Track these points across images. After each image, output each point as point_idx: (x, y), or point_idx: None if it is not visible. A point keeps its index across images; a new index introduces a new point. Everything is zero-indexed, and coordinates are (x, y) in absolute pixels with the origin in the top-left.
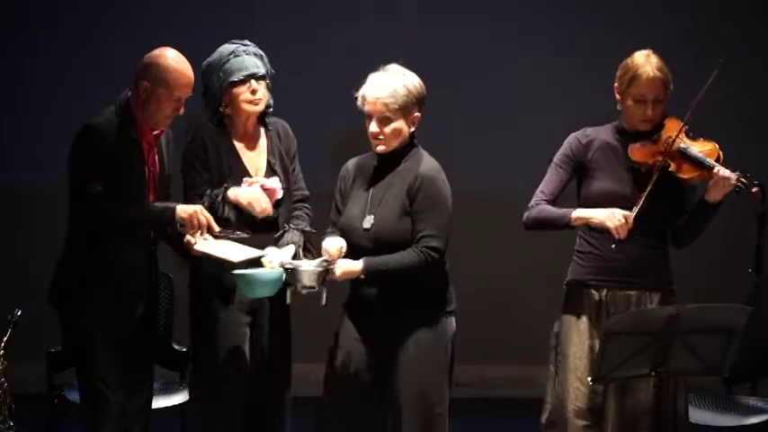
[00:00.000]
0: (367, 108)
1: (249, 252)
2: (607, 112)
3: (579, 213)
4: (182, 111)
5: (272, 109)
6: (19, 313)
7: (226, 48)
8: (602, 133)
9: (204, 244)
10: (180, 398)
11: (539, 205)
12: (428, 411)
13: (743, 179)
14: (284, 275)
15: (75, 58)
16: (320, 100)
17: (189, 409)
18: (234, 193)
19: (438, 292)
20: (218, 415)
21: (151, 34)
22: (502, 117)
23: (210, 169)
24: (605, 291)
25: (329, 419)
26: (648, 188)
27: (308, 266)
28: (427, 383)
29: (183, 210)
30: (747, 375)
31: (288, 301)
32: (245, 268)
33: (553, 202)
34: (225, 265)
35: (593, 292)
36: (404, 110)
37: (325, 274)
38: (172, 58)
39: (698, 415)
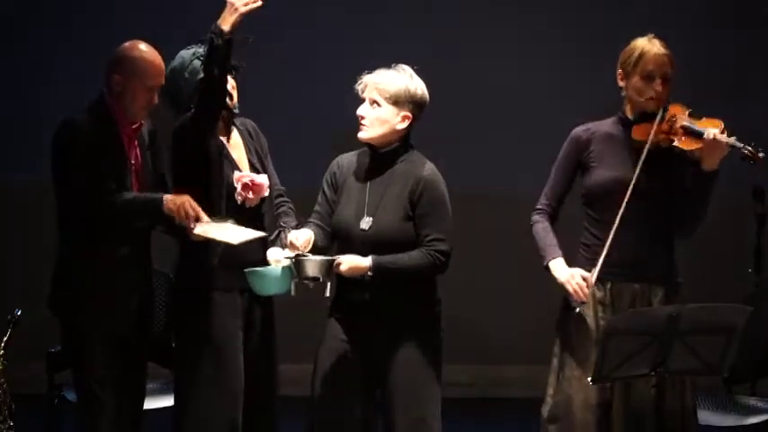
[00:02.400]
0: (363, 93)
1: (248, 233)
2: (608, 108)
3: (552, 264)
4: (155, 100)
5: (237, 110)
6: (19, 313)
7: (185, 52)
8: (604, 126)
9: (203, 227)
10: None
11: (538, 223)
12: (419, 412)
13: (748, 147)
14: (291, 271)
15: (76, 58)
16: (319, 99)
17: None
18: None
19: (426, 293)
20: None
21: (154, 34)
22: (501, 116)
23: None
24: (610, 283)
25: (319, 420)
26: (641, 161)
27: (312, 256)
28: (418, 384)
29: (170, 200)
30: (747, 375)
31: (292, 293)
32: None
33: (556, 207)
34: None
35: (597, 284)
36: (395, 101)
37: (330, 266)
38: (140, 49)
39: (698, 415)
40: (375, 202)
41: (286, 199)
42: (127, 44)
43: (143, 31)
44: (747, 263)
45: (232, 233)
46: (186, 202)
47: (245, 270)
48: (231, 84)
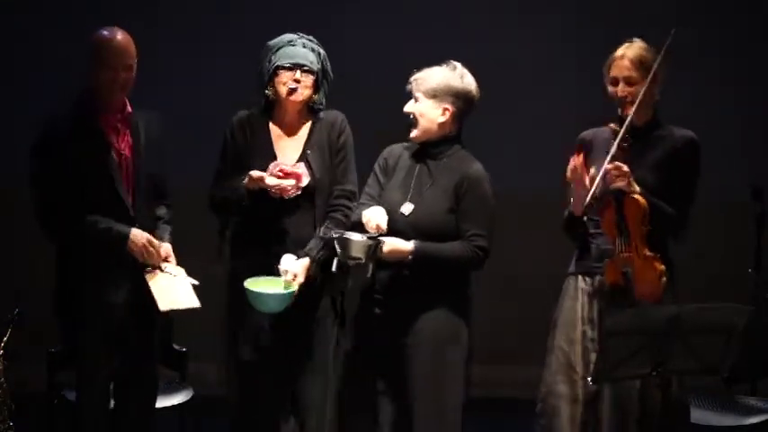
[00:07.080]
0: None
1: (183, 302)
2: (609, 107)
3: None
4: (127, 80)
5: (320, 107)
6: (19, 313)
7: (286, 36)
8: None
9: (154, 275)
10: (180, 398)
11: None
12: (442, 405)
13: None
14: (291, 295)
15: (78, 58)
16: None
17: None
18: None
19: (459, 287)
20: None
21: (157, 35)
22: (501, 116)
23: (239, 152)
24: (596, 277)
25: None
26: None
27: (358, 237)
28: (444, 377)
29: (135, 236)
30: (747, 375)
31: (333, 268)
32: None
33: None
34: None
35: (583, 279)
36: (433, 95)
37: (374, 248)
38: (101, 34)
39: (698, 415)
40: (418, 191)
41: (346, 204)
42: (94, 34)
43: (149, 31)
44: (747, 263)
45: (170, 295)
46: (147, 242)
47: (245, 282)
48: (308, 84)
